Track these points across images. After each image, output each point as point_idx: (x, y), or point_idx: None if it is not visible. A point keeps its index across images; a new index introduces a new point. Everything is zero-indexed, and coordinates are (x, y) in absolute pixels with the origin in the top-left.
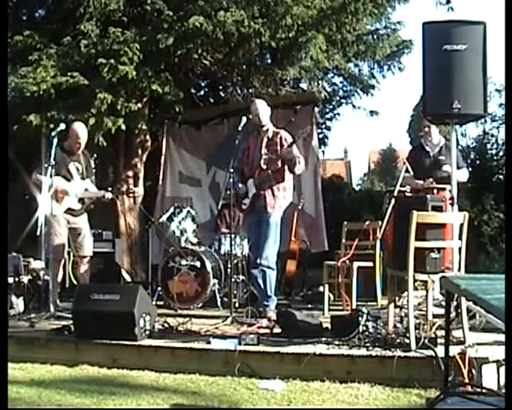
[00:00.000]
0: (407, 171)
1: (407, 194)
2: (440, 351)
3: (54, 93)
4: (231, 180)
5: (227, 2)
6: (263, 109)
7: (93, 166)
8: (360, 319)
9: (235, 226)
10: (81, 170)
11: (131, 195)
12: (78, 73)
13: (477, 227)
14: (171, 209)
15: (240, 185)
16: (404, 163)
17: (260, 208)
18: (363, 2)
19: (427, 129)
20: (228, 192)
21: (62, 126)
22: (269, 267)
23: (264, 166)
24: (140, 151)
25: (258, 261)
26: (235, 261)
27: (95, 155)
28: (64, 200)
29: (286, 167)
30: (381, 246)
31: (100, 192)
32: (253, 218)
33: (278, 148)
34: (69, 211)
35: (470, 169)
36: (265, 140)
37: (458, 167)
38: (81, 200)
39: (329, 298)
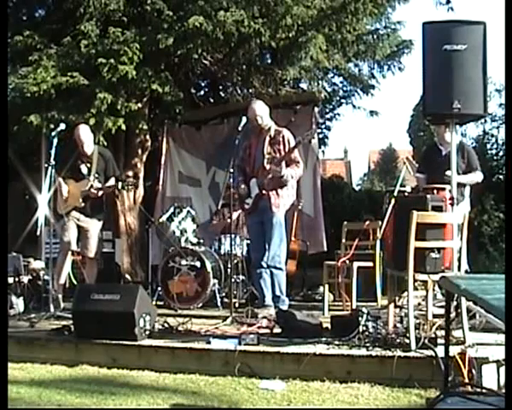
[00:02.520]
0: (419, 170)
1: (407, 194)
2: (440, 351)
3: (54, 93)
4: (231, 180)
5: (227, 2)
6: (260, 112)
7: (114, 166)
8: (360, 319)
9: (234, 226)
10: (93, 170)
11: (129, 187)
12: (78, 73)
13: (477, 227)
14: (171, 209)
15: (242, 186)
16: (404, 163)
17: (264, 208)
18: (363, 2)
19: (438, 129)
20: (227, 191)
21: (62, 126)
22: (275, 267)
23: (268, 167)
24: (140, 151)
25: (265, 262)
26: (235, 261)
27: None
28: (68, 198)
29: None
30: (381, 246)
31: (107, 187)
32: (255, 218)
33: (281, 147)
34: (79, 209)
35: None
36: (268, 139)
37: (472, 169)
38: (85, 198)
39: (329, 298)
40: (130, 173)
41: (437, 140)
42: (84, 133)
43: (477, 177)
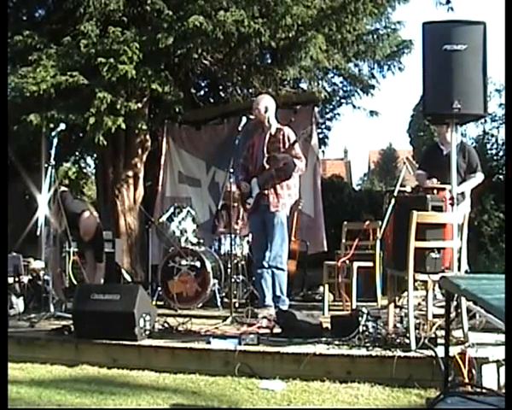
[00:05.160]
0: (420, 168)
1: (407, 194)
2: (440, 351)
3: (54, 93)
4: (231, 180)
5: (227, 2)
6: (264, 105)
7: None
8: (360, 319)
9: (234, 227)
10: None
11: None
12: (78, 72)
13: (477, 227)
14: (171, 209)
15: (243, 184)
16: (404, 163)
17: (265, 208)
18: (363, 2)
19: (439, 129)
20: (226, 192)
21: (62, 126)
22: (277, 268)
23: (268, 166)
24: (140, 151)
25: (266, 262)
26: (235, 261)
27: (95, 155)
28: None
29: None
30: (381, 246)
31: None
32: (257, 217)
33: (281, 145)
34: None
35: None
36: (268, 137)
37: (473, 170)
38: None
39: (329, 298)
40: (130, 173)
41: (438, 140)
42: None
43: (477, 180)
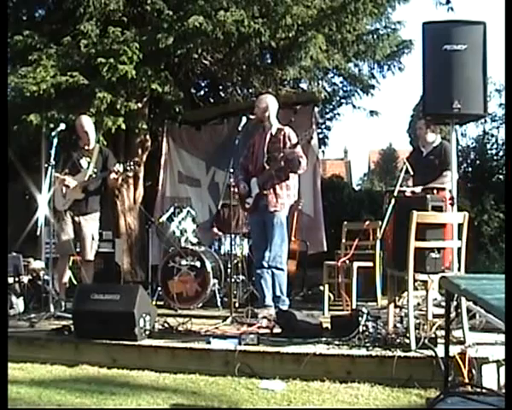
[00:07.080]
0: (407, 171)
1: (407, 194)
2: (440, 351)
3: (54, 93)
4: (231, 180)
5: (227, 2)
6: (266, 104)
7: (114, 160)
8: (360, 319)
9: (234, 227)
10: (92, 164)
11: (131, 167)
12: (78, 72)
13: (477, 227)
14: (171, 209)
15: (241, 185)
16: (404, 163)
17: (263, 208)
18: (363, 2)
19: (418, 131)
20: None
21: (62, 126)
22: (277, 268)
23: (268, 166)
24: (140, 151)
25: (266, 262)
26: (235, 261)
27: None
28: (67, 193)
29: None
30: (381, 246)
31: (104, 173)
32: (256, 217)
33: (281, 145)
34: (75, 209)
35: (470, 169)
36: (268, 137)
37: (444, 168)
38: (85, 189)
39: (329, 298)
40: (130, 173)
41: (420, 143)
42: (88, 123)
43: (447, 177)
